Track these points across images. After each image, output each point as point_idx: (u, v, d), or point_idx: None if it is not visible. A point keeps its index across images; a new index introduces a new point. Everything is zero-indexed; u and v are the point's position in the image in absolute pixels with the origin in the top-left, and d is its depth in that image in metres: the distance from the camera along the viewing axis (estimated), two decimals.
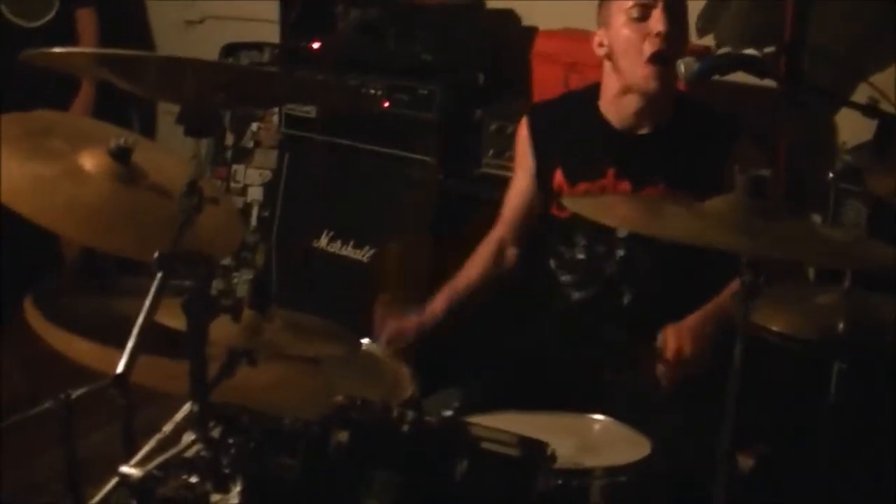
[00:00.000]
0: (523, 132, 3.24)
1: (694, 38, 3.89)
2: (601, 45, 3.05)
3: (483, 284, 3.23)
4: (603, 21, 3.06)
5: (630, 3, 2.96)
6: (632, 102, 3.03)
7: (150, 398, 2.19)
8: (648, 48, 2.93)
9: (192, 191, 2.00)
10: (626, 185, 3.03)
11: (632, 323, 3.00)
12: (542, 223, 3.22)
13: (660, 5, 2.93)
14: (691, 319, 2.90)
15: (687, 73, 2.61)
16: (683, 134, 3.03)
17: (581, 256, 3.10)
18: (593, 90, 3.13)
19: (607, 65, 3.06)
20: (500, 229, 3.28)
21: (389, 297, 3.17)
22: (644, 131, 3.06)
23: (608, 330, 3.03)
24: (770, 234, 2.10)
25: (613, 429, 2.56)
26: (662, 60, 2.92)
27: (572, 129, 3.15)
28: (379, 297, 3.13)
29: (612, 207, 2.48)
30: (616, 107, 3.06)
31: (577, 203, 2.58)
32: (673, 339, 2.84)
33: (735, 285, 2.85)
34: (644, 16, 2.94)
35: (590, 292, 3.10)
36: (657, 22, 2.92)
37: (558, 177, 3.12)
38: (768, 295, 2.26)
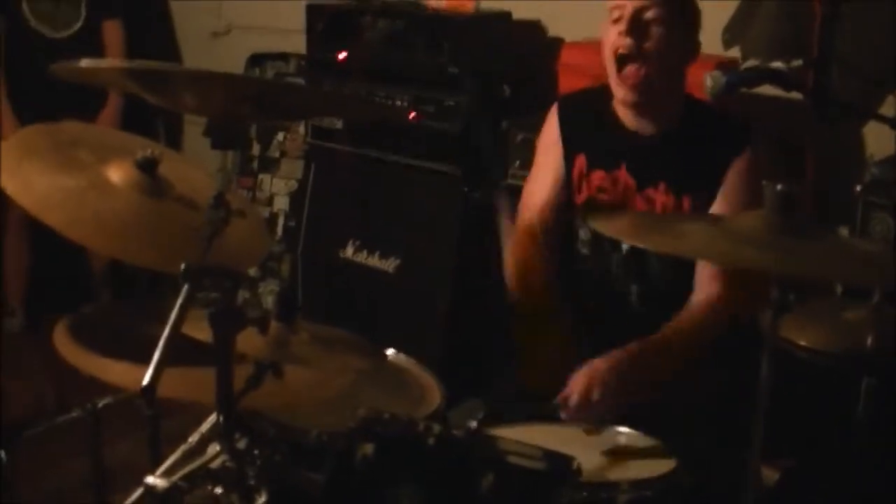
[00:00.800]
0: (552, 121, 3.24)
1: (720, 51, 3.90)
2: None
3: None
4: None
5: (610, 7, 3.00)
6: (624, 108, 3.05)
7: (176, 408, 2.20)
8: (613, 53, 2.96)
9: (219, 203, 2.00)
10: (632, 182, 3.04)
11: (641, 320, 2.97)
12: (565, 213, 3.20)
13: (627, 14, 2.95)
14: (604, 362, 2.78)
15: (714, 86, 2.60)
16: (689, 139, 3.02)
17: (586, 252, 3.11)
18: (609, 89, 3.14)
19: None
20: (527, 218, 3.23)
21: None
22: (651, 133, 3.06)
23: (617, 328, 3.00)
24: (800, 251, 2.09)
25: (639, 442, 2.56)
26: (624, 58, 2.94)
27: (594, 121, 3.16)
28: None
29: (635, 225, 2.46)
30: (620, 111, 3.08)
31: (601, 223, 2.54)
32: (581, 384, 2.73)
33: (685, 315, 2.87)
34: (619, 17, 2.97)
35: (600, 292, 3.10)
36: (619, 28, 2.95)
37: (580, 161, 3.12)
38: (797, 310, 2.25)
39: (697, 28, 3.07)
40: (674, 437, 2.52)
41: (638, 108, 3.02)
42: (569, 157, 3.16)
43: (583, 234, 3.11)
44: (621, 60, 2.96)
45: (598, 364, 2.77)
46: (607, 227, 2.42)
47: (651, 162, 3.03)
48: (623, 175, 3.06)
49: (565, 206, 3.16)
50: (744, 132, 3.05)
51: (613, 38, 2.97)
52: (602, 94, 3.15)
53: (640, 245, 2.45)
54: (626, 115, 3.07)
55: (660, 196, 3.00)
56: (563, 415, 2.72)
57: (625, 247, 3.03)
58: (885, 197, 3.24)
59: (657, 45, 2.97)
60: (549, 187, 3.22)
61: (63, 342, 2.25)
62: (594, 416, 2.70)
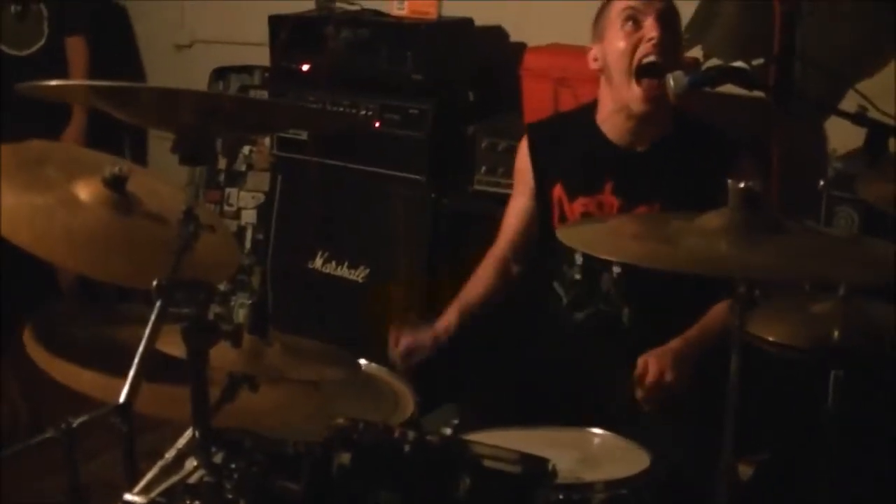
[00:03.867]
0: (523, 150, 3.24)
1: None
2: (595, 59, 3.05)
3: (490, 299, 3.21)
4: (598, 35, 3.05)
5: (623, 12, 2.95)
6: (626, 119, 3.02)
7: (152, 424, 2.20)
8: (640, 54, 2.92)
9: (188, 218, 2.01)
10: (617, 202, 3.03)
11: (633, 341, 2.95)
12: (542, 241, 3.21)
13: (653, 13, 2.92)
14: (674, 344, 2.85)
15: (676, 86, 2.62)
16: (681, 151, 3.01)
17: (578, 276, 3.10)
18: (591, 107, 3.13)
19: (602, 80, 3.06)
20: (502, 247, 3.25)
21: (401, 319, 3.13)
22: (641, 148, 3.04)
23: (609, 350, 3.02)
24: (770, 247, 2.10)
25: (613, 442, 2.57)
26: (654, 67, 2.91)
27: (571, 145, 3.14)
28: (392, 324, 3.10)
29: (611, 238, 2.44)
30: (612, 123, 3.05)
31: (574, 236, 2.52)
32: (654, 365, 2.79)
33: (720, 307, 2.88)
34: (637, 25, 2.93)
35: (590, 311, 3.09)
36: (650, 28, 2.91)
37: (558, 191, 3.11)
38: (764, 305, 2.27)
39: None
40: (648, 435, 2.54)
41: (645, 119, 2.99)
42: (545, 187, 3.15)
43: (578, 258, 3.09)
44: (645, 71, 2.92)
45: (668, 348, 2.83)
46: (580, 241, 2.42)
47: (643, 179, 3.01)
48: (608, 197, 3.05)
49: (544, 236, 3.16)
50: (734, 139, 3.06)
51: (629, 48, 2.93)
52: (583, 114, 3.14)
53: (630, 261, 2.45)
54: (618, 131, 3.04)
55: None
56: (638, 394, 2.79)
57: (616, 269, 3.03)
58: (848, 191, 3.27)
59: (678, 53, 2.97)
60: (519, 216, 3.24)
61: (32, 346, 2.26)
62: (666, 397, 2.79)
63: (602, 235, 2.43)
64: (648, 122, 3.00)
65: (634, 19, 2.94)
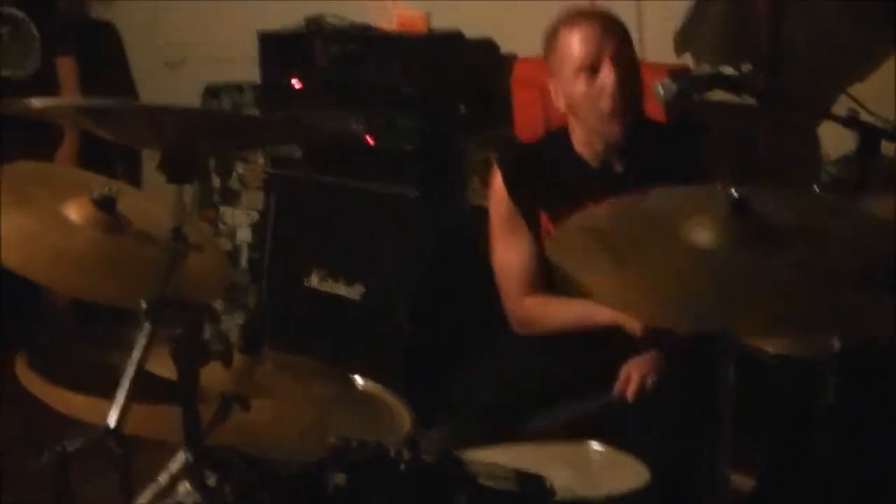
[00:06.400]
0: (498, 185, 3.16)
1: (672, 57, 3.91)
2: (557, 94, 3.03)
3: None
4: (553, 72, 3.02)
5: (578, 62, 2.93)
6: (600, 142, 3.01)
7: (147, 446, 2.18)
8: (605, 105, 2.91)
9: (176, 237, 2.00)
10: None
11: (612, 350, 2.96)
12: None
13: (606, 59, 2.91)
14: (648, 353, 2.91)
15: (665, 94, 2.60)
16: (649, 159, 2.99)
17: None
18: (565, 130, 3.10)
19: (569, 114, 3.04)
20: (525, 289, 3.16)
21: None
22: (620, 168, 3.02)
23: (588, 361, 3.01)
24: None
25: (610, 456, 2.56)
26: (622, 113, 2.92)
27: (550, 171, 3.10)
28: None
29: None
30: (587, 147, 3.04)
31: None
32: (637, 374, 2.87)
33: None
34: (594, 70, 2.92)
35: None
36: (607, 76, 2.90)
37: (544, 219, 3.07)
38: None
39: None
40: (644, 446, 2.53)
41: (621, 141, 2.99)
42: (530, 218, 3.11)
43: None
44: (620, 114, 2.92)
45: (645, 355, 2.90)
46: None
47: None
48: None
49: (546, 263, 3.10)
50: (690, 127, 3.06)
51: (592, 93, 2.92)
52: (556, 140, 3.12)
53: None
54: (591, 153, 3.03)
55: None
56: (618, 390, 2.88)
57: None
58: (842, 195, 3.26)
59: (638, 84, 2.95)
60: (525, 254, 3.13)
61: (26, 375, 2.24)
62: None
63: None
64: (622, 141, 2.99)
65: (589, 67, 2.92)
